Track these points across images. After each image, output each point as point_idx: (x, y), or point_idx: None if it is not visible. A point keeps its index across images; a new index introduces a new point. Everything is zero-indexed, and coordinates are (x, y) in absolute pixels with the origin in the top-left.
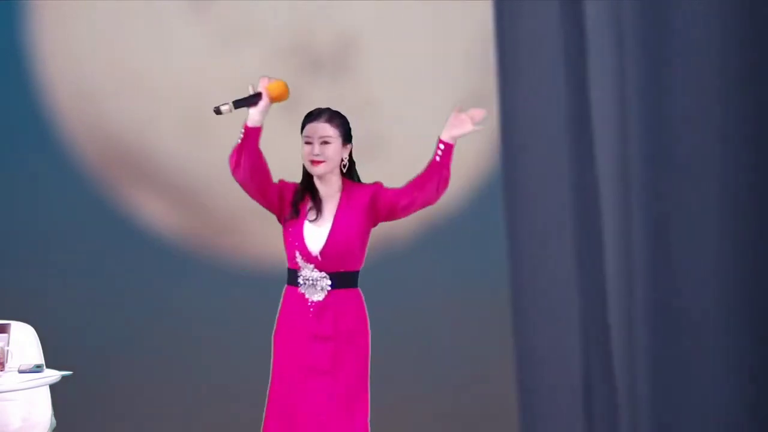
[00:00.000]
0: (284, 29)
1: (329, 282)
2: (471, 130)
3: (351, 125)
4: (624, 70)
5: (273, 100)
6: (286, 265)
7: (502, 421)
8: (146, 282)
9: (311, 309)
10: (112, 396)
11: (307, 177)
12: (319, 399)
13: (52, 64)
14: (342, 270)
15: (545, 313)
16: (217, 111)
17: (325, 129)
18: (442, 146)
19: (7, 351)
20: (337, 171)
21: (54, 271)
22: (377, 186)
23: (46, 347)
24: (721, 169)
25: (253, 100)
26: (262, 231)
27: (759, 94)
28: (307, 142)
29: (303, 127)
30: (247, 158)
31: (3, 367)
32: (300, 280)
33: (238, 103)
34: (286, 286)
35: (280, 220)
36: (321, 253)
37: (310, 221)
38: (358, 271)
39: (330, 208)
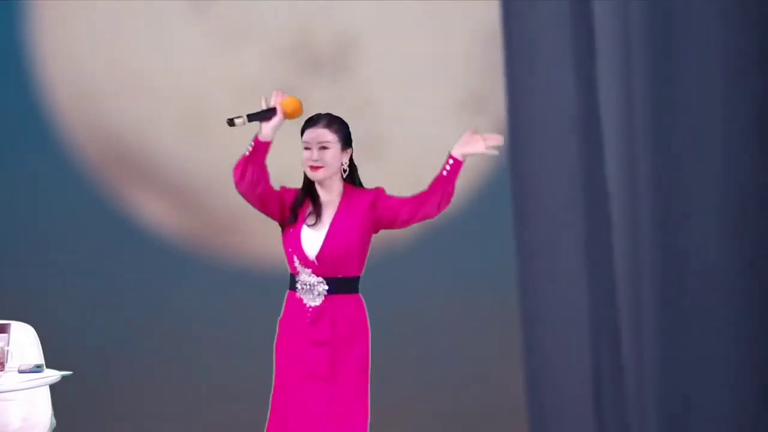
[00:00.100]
0: (284, 29)
1: (326, 287)
2: (482, 151)
3: (351, 125)
4: (630, 69)
5: (287, 116)
6: (287, 267)
7: (502, 421)
8: (146, 282)
9: (309, 314)
10: (112, 396)
11: (308, 182)
12: (317, 405)
13: (52, 64)
14: (340, 275)
15: (554, 312)
16: (231, 123)
17: (323, 134)
18: (450, 161)
19: (7, 351)
20: (338, 176)
21: (54, 271)
22: (378, 191)
23: (46, 347)
24: (727, 167)
25: (267, 114)
26: (262, 231)
27: (762, 93)
28: (306, 148)
29: (302, 133)
30: (253, 171)
31: (3, 367)
32: (298, 285)
33: (252, 117)
34: (288, 291)
35: (281, 226)
36: (317, 257)
37: (308, 226)
38: (358, 277)
39: (329, 213)
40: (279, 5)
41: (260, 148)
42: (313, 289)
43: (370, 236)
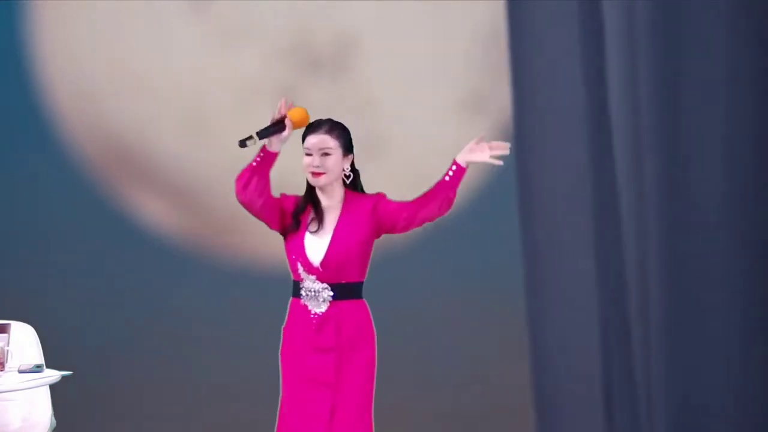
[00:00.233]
0: (284, 29)
1: (331, 293)
2: (487, 160)
3: (351, 125)
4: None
5: (295, 126)
6: (287, 267)
7: (502, 421)
8: (146, 282)
9: (314, 320)
10: (112, 396)
11: (310, 188)
12: (322, 411)
13: (52, 64)
14: (344, 281)
15: (562, 313)
16: (242, 144)
17: (325, 140)
18: (454, 167)
19: (7, 351)
20: (339, 182)
21: (54, 271)
22: (379, 196)
23: (46, 347)
24: (734, 165)
25: (276, 129)
26: (262, 231)
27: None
28: (308, 154)
29: (303, 139)
30: (258, 182)
31: (3, 367)
32: (302, 292)
33: (263, 134)
34: (291, 297)
35: (281, 234)
36: (322, 263)
37: (311, 232)
38: (361, 282)
39: (331, 219)
40: (279, 5)
41: (268, 158)
42: (317, 296)
43: (372, 241)
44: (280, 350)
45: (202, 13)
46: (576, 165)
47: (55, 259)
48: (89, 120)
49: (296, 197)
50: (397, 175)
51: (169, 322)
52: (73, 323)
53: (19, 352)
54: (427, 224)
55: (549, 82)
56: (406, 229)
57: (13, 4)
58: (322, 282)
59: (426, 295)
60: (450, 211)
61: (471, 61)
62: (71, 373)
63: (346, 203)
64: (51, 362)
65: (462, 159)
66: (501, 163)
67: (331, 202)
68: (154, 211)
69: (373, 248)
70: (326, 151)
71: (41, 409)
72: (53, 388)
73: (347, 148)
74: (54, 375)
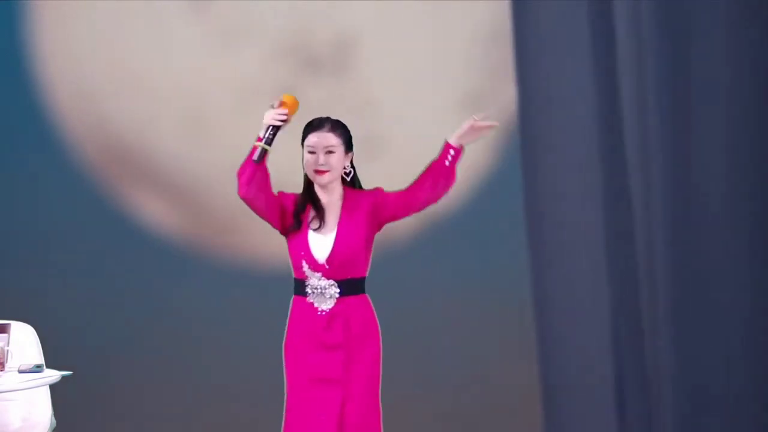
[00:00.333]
0: (284, 29)
1: (338, 290)
2: (483, 134)
3: (351, 125)
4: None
5: (291, 114)
6: (288, 266)
7: (502, 421)
8: (146, 282)
9: (321, 318)
10: (112, 396)
11: (308, 186)
12: (332, 409)
13: (52, 64)
14: (349, 277)
15: (572, 314)
16: (260, 160)
17: (329, 139)
18: (452, 151)
19: (7, 351)
20: (339, 179)
21: (54, 271)
22: (378, 191)
23: (46, 347)
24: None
25: (278, 129)
26: (262, 231)
27: None
28: (311, 152)
29: (304, 137)
30: (261, 175)
31: (3, 367)
32: (308, 290)
33: (270, 140)
34: (293, 295)
35: (282, 232)
36: (328, 260)
37: (314, 230)
38: (364, 278)
39: (333, 216)
40: (279, 5)
41: (266, 152)
42: (324, 293)
43: (373, 236)
44: (283, 350)
45: (202, 13)
46: (586, 164)
47: (55, 259)
48: (89, 120)
49: (295, 195)
50: (397, 175)
51: (169, 322)
52: (73, 323)
53: (19, 352)
54: (427, 221)
55: (557, 81)
56: (407, 213)
57: (13, 4)
58: (328, 279)
59: (426, 294)
60: (448, 199)
61: (471, 61)
62: (71, 373)
63: (346, 200)
64: (51, 362)
65: (456, 142)
66: (497, 123)
67: (331, 199)
68: (154, 211)
69: (374, 248)
70: (330, 149)
71: (41, 409)
72: (53, 388)
73: (348, 145)
74: (54, 375)
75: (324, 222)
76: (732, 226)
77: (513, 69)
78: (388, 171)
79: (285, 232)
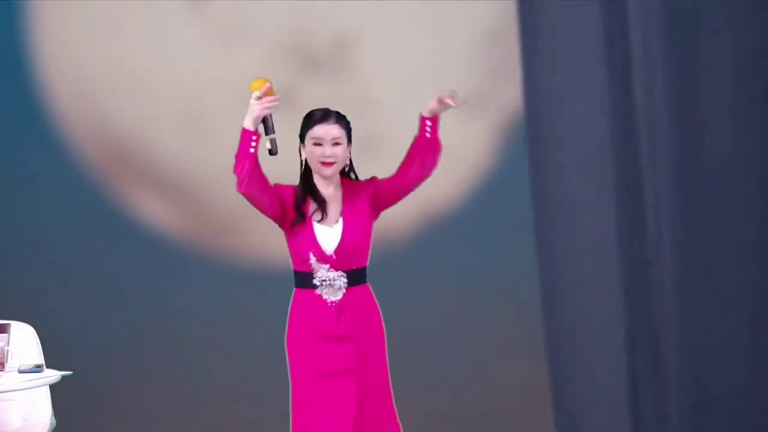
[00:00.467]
0: (284, 29)
1: (345, 280)
2: (451, 105)
3: (351, 125)
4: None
5: (264, 95)
6: (288, 265)
7: (502, 421)
8: (146, 282)
9: (331, 309)
10: (112, 396)
11: (306, 178)
12: (348, 401)
13: (52, 64)
14: (355, 267)
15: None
16: (274, 152)
17: (335, 130)
18: (429, 122)
19: (7, 351)
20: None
21: (54, 271)
22: (373, 180)
23: (46, 347)
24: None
25: (270, 115)
26: (262, 231)
27: None
28: (317, 144)
29: (308, 128)
30: (258, 168)
31: (3, 367)
32: (316, 282)
33: (271, 129)
34: (296, 289)
35: (281, 225)
36: (336, 252)
37: (317, 222)
38: (366, 267)
39: (334, 208)
40: (279, 5)
41: (258, 141)
42: (333, 284)
43: (373, 224)
44: (286, 346)
45: (202, 13)
46: (596, 164)
47: (55, 259)
48: (89, 120)
49: (292, 187)
50: None
51: (169, 322)
52: (73, 323)
53: (19, 352)
54: (426, 221)
55: (567, 80)
56: (404, 194)
57: (13, 4)
58: (337, 270)
59: (426, 294)
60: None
61: (471, 61)
62: (71, 373)
63: (346, 191)
64: (51, 362)
65: (429, 113)
66: (462, 102)
67: (330, 190)
68: (154, 211)
69: (373, 247)
70: (337, 140)
71: (41, 409)
72: (53, 388)
73: (349, 137)
74: (54, 375)
75: (326, 213)
76: (742, 225)
77: (519, 68)
78: (388, 171)
79: (287, 225)
